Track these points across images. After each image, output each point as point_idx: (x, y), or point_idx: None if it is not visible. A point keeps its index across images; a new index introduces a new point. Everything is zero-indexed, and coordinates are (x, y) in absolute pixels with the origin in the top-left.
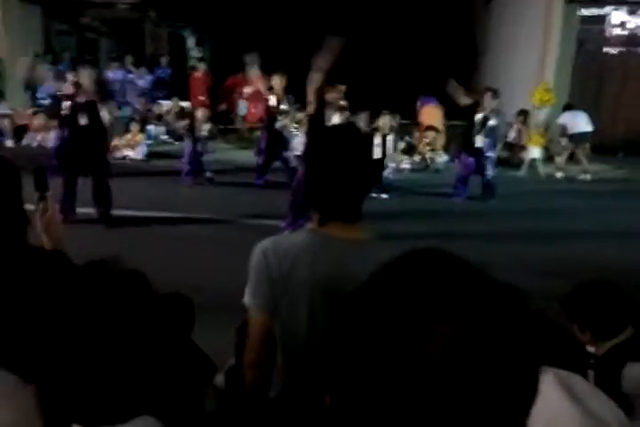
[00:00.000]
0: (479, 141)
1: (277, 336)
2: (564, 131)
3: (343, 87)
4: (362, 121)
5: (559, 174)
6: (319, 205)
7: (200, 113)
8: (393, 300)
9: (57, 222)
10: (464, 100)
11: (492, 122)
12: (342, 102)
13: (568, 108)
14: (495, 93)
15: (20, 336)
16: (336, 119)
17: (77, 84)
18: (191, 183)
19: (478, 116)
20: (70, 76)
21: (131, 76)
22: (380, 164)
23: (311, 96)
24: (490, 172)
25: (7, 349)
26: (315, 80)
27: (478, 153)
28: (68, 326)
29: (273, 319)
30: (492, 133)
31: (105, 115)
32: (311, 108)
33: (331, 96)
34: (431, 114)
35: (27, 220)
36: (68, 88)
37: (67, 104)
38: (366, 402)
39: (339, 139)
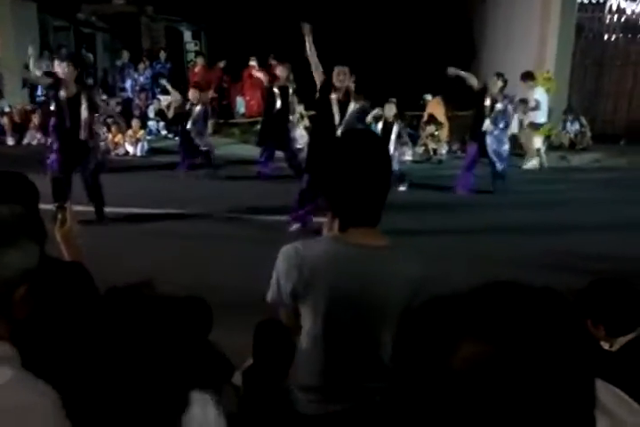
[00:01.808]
0: (486, 125)
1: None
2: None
3: (346, 68)
4: (389, 111)
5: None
6: (341, 210)
7: (191, 94)
8: (442, 315)
9: (75, 232)
10: (474, 82)
11: (499, 105)
12: (351, 85)
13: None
14: (501, 77)
15: (41, 346)
16: (352, 106)
17: (57, 78)
18: (184, 173)
19: (487, 102)
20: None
21: (130, 71)
22: None
23: (317, 78)
24: (499, 165)
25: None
26: (314, 63)
27: (483, 138)
28: (86, 335)
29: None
30: (501, 117)
31: (84, 112)
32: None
33: (337, 79)
34: (433, 107)
35: (45, 232)
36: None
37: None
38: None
39: (359, 144)
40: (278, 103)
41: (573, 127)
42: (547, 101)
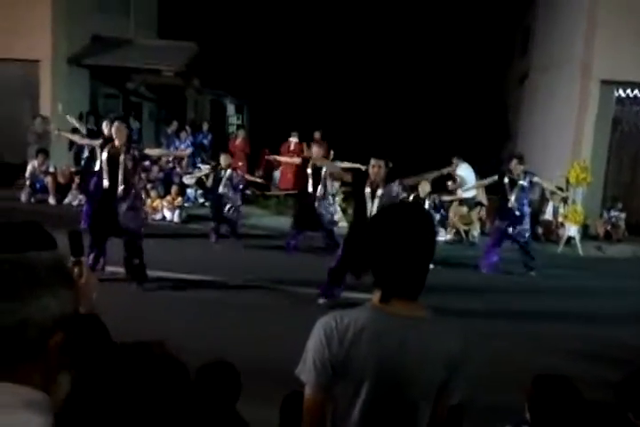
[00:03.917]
0: (511, 203)
1: (328, 419)
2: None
3: (382, 162)
4: (424, 188)
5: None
6: (384, 281)
7: (223, 159)
8: None
9: (92, 287)
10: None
11: (521, 182)
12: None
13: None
14: (521, 159)
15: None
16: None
17: (106, 138)
18: (215, 240)
19: (506, 180)
20: (106, 129)
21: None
22: None
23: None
24: (523, 240)
25: None
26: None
27: (510, 216)
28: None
29: (327, 399)
30: (524, 194)
31: (127, 172)
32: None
33: (372, 171)
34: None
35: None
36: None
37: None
38: None
39: (404, 214)
40: (310, 185)
41: (609, 218)
42: (473, 177)
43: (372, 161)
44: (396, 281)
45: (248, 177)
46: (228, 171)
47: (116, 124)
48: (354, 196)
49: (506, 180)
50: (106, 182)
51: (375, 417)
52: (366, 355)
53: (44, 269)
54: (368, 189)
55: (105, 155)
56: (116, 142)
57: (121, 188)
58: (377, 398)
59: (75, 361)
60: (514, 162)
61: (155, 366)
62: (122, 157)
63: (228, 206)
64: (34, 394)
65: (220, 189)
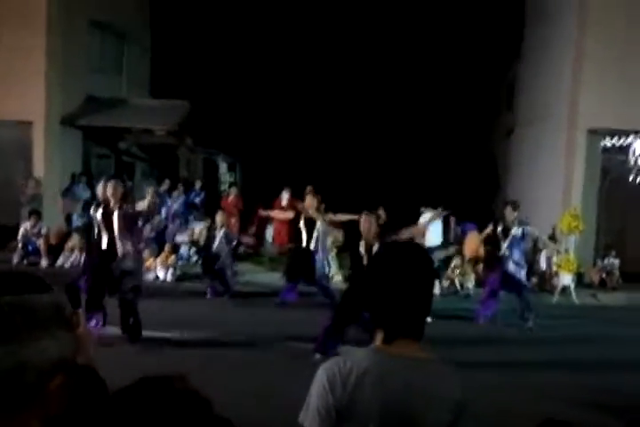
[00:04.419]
0: (503, 249)
1: None
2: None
3: (373, 217)
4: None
5: None
6: (386, 322)
7: (218, 217)
8: None
9: (87, 338)
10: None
11: (514, 230)
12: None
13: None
14: (514, 205)
15: None
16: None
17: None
18: (210, 297)
19: (499, 229)
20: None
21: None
22: None
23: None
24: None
25: None
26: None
27: (503, 265)
28: None
29: None
30: (516, 243)
31: (123, 232)
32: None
33: (363, 227)
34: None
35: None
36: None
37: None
38: None
39: (404, 255)
40: (304, 238)
41: (603, 265)
42: (439, 226)
43: (362, 217)
44: (399, 321)
45: (244, 239)
46: (223, 229)
47: (112, 182)
48: (349, 252)
49: (499, 228)
50: (104, 242)
51: None
52: (370, 398)
53: (43, 311)
54: (362, 249)
55: (99, 215)
56: (111, 202)
57: (120, 247)
58: None
59: (70, 411)
60: (508, 209)
61: (178, 402)
62: (115, 214)
63: (219, 263)
64: None
65: (215, 248)
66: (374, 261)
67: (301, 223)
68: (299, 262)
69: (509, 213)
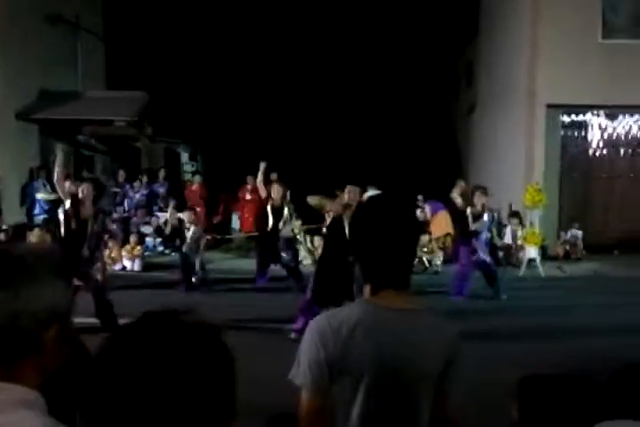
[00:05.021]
0: (474, 226)
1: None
2: None
3: (358, 189)
4: None
5: None
6: (371, 274)
7: (186, 216)
8: None
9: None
10: (459, 202)
11: (485, 217)
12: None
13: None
14: (485, 191)
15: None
16: None
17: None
18: (183, 292)
19: (468, 212)
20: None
21: (127, 189)
22: None
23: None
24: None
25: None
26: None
27: (471, 241)
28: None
29: (324, 401)
30: (484, 228)
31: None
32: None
33: (349, 197)
34: (444, 220)
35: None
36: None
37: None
38: None
39: (387, 207)
40: (270, 222)
41: (567, 238)
42: None
43: (348, 188)
44: (384, 271)
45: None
46: (192, 228)
47: (83, 185)
48: (327, 238)
49: (468, 211)
50: (74, 224)
51: (376, 411)
52: (363, 349)
53: (34, 258)
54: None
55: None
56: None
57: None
58: (377, 391)
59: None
60: (477, 194)
61: (184, 337)
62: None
63: (192, 258)
64: (28, 393)
65: (184, 248)
66: (357, 213)
67: (268, 208)
68: (267, 253)
69: (478, 199)
